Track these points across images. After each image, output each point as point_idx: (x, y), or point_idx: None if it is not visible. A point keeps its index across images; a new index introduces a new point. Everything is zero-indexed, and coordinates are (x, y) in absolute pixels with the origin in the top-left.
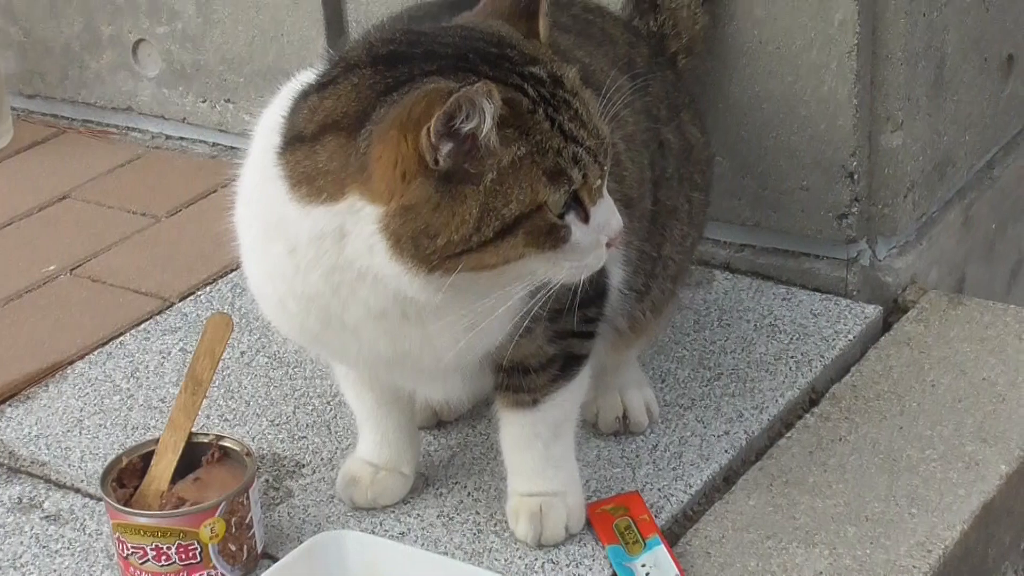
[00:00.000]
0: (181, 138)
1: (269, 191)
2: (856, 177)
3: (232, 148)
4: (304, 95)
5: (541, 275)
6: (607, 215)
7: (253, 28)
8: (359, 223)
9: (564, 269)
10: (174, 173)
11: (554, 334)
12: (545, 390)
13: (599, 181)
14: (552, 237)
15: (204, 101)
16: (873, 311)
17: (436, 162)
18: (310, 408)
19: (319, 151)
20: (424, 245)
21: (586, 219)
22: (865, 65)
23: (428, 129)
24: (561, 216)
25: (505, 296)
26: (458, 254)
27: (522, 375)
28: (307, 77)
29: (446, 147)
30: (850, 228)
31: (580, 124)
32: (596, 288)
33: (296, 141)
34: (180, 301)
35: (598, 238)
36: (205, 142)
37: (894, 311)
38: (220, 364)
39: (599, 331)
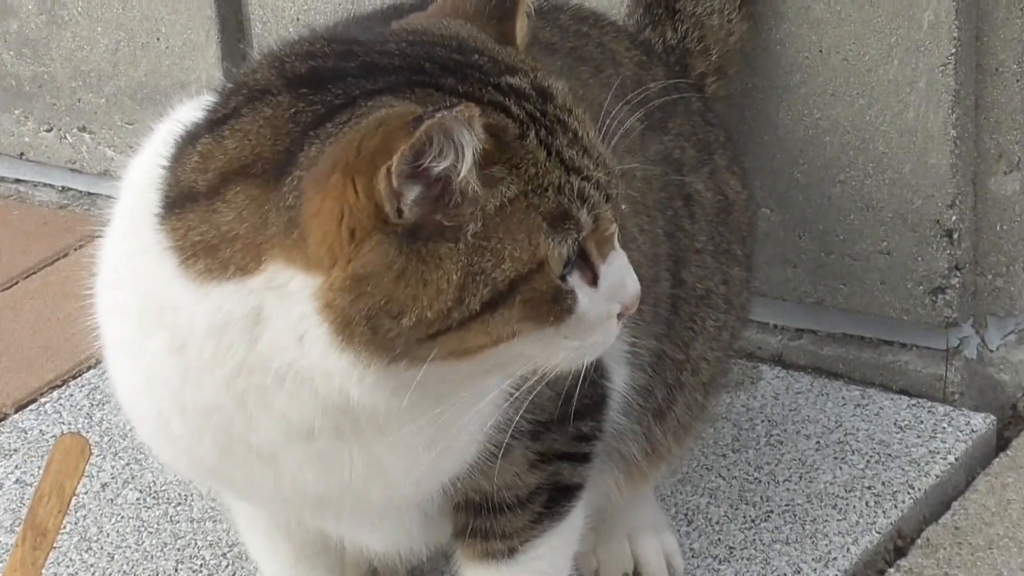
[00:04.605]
0: (17, 180)
1: (147, 268)
2: (956, 236)
3: (89, 195)
4: (191, 137)
5: (532, 361)
6: (621, 274)
7: (118, 30)
8: (285, 303)
9: (561, 351)
10: (7, 230)
11: (537, 457)
12: (525, 535)
13: (612, 226)
14: (556, 307)
15: (49, 130)
16: (983, 422)
17: (399, 213)
18: (199, 563)
19: (221, 210)
20: (385, 327)
21: (594, 280)
22: (966, 82)
23: (388, 170)
24: (563, 278)
25: (477, 394)
26: (432, 336)
27: (494, 515)
28: (191, 113)
29: (412, 192)
30: (949, 307)
31: (582, 150)
32: (592, 394)
33: (185, 199)
34: (16, 412)
35: (609, 308)
36: (51, 186)
37: (1012, 422)
38: (72, 503)
39: (596, 452)
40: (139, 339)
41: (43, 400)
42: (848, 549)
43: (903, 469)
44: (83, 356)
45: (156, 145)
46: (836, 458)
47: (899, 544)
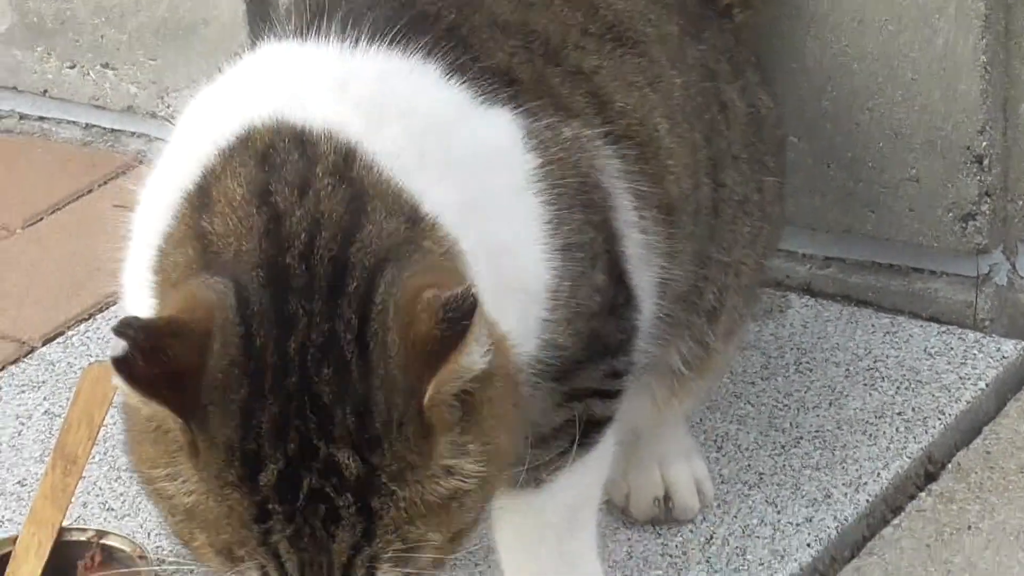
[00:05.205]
0: (41, 118)
1: (164, 215)
2: (986, 162)
3: (113, 131)
4: (266, 152)
5: None
6: None
7: None
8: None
9: None
10: (32, 167)
11: (565, 396)
12: (553, 465)
13: None
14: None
15: (73, 67)
16: (1014, 348)
17: None
18: None
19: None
20: (130, 448)
21: None
22: (996, 8)
23: None
24: None
25: None
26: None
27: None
28: (279, 55)
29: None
30: (979, 233)
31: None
32: (624, 328)
33: (206, 196)
34: (44, 345)
35: None
36: (75, 123)
37: None
38: (101, 433)
39: (627, 386)
40: (135, 297)
41: (69, 333)
42: (879, 474)
43: (933, 395)
44: (108, 290)
45: (253, 75)
46: (866, 385)
47: (930, 469)
